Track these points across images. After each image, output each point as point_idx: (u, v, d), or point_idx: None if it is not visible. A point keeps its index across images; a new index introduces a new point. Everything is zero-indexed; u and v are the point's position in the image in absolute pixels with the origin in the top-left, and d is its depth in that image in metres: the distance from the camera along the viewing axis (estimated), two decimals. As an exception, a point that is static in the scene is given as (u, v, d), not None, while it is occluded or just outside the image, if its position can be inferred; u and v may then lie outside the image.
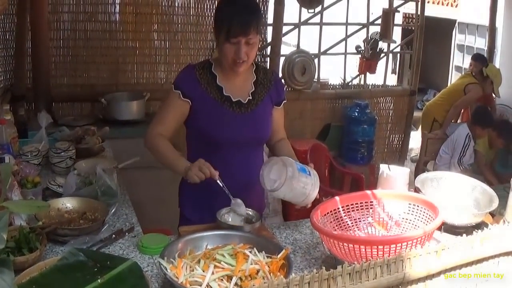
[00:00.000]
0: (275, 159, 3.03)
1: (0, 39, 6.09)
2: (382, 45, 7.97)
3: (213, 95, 3.28)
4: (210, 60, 3.39)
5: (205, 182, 3.19)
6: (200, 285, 2.33)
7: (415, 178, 3.42)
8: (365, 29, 8.00)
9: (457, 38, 11.65)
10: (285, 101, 3.52)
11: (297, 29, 7.46)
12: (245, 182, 3.19)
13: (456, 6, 14.56)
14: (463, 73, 10.20)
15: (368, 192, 3.04)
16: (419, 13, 8.11)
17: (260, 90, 3.37)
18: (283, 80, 7.18)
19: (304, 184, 3.00)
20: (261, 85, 3.39)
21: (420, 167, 7.99)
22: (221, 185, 3.04)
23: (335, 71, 9.08)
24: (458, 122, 8.86)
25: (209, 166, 3.02)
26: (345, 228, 2.93)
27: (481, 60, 8.80)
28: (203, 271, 2.39)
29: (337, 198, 2.97)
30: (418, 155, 8.85)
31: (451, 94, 8.58)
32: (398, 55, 11.96)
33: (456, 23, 12.62)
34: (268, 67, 3.34)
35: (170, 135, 3.35)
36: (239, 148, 3.11)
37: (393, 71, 14.12)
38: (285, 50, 7.50)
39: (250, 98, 3.33)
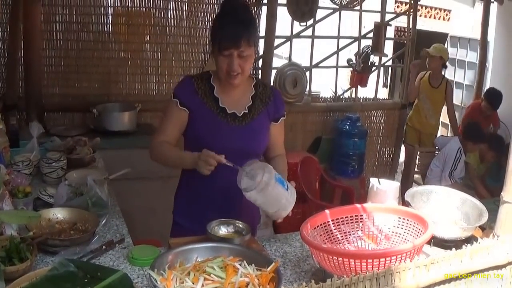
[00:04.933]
0: (258, 163, 3.01)
1: (-8, 48, 6.11)
2: (374, 58, 8.01)
3: (209, 106, 3.31)
4: (210, 72, 3.40)
5: (200, 191, 3.21)
6: (190, 297, 2.34)
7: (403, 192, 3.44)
8: (356, 43, 8.05)
9: (449, 51, 11.68)
10: (284, 118, 3.52)
11: (289, 42, 7.48)
12: (240, 194, 3.18)
13: (448, 19, 14.61)
14: (454, 86, 10.16)
15: (358, 205, 3.04)
16: (410, 26, 8.15)
17: (258, 104, 3.38)
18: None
19: (278, 195, 2.96)
20: (259, 99, 3.39)
21: (410, 180, 7.98)
22: (230, 165, 3.02)
23: (326, 84, 9.10)
24: (449, 136, 8.85)
25: (213, 155, 3.01)
26: (335, 241, 2.94)
27: (495, 100, 8.61)
28: (193, 284, 2.38)
29: (327, 211, 2.97)
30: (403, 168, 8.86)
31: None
32: (390, 68, 12.02)
33: (448, 37, 12.63)
34: (266, 82, 3.33)
35: (173, 143, 3.37)
36: (233, 159, 3.11)
37: (385, 85, 14.15)
38: (277, 62, 7.53)
39: (246, 111, 3.34)
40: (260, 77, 7.15)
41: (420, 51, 8.30)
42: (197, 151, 3.22)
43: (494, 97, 8.48)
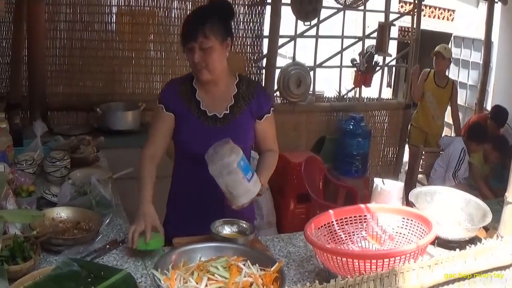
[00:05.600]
0: (230, 143, 2.97)
1: (-4, 47, 6.12)
2: (378, 58, 7.99)
3: (191, 109, 3.34)
4: (192, 74, 3.41)
5: (193, 191, 3.22)
6: (194, 297, 2.34)
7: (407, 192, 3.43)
8: (360, 42, 8.03)
9: (453, 51, 11.65)
10: (269, 115, 3.45)
11: (293, 42, 7.47)
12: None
13: (452, 20, 14.60)
14: (458, 86, 10.13)
15: (362, 206, 3.04)
16: (414, 26, 8.14)
17: (240, 103, 3.37)
18: (278, 93, 7.22)
19: (236, 181, 2.95)
20: (241, 98, 3.38)
21: (414, 180, 7.96)
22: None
23: (330, 84, 9.09)
24: (453, 136, 8.81)
25: (146, 231, 3.00)
26: (339, 241, 2.94)
27: (501, 118, 8.45)
28: (197, 283, 2.39)
29: (331, 211, 2.97)
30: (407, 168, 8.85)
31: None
32: (394, 68, 12.00)
33: (452, 37, 12.62)
34: (252, 79, 3.33)
35: (161, 151, 3.42)
36: None
37: (388, 85, 14.15)
38: (281, 62, 7.51)
39: (227, 112, 3.35)
40: (264, 76, 7.17)
41: (430, 52, 8.30)
42: (183, 154, 3.38)
43: (500, 115, 8.40)
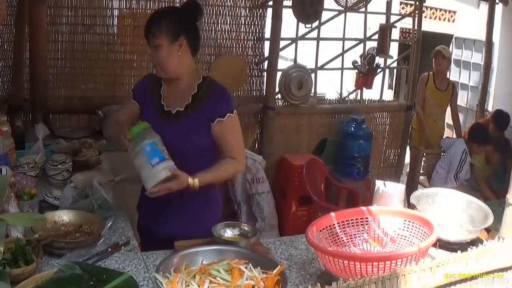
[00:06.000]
0: (147, 130, 3.18)
1: (-2, 49, 6.12)
2: (379, 60, 7.98)
3: (153, 103, 3.46)
4: None
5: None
6: (196, 300, 2.34)
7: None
8: (362, 44, 8.02)
9: (454, 53, 11.61)
10: (222, 119, 3.36)
11: (294, 44, 7.47)
12: (196, 192, 3.27)
13: (453, 21, 14.59)
14: (459, 87, 10.11)
15: (364, 208, 3.05)
16: (415, 28, 8.13)
17: (196, 104, 3.38)
18: (279, 95, 7.20)
19: (140, 165, 3.13)
20: (199, 99, 3.39)
21: (415, 182, 7.96)
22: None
23: (332, 86, 9.09)
24: (454, 137, 8.80)
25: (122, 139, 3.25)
26: (341, 244, 2.94)
27: (503, 122, 8.36)
28: (199, 286, 2.39)
29: (332, 214, 2.97)
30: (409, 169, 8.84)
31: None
32: (395, 70, 12.00)
33: (453, 38, 12.62)
34: (216, 83, 3.33)
35: None
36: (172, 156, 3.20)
37: (390, 86, 14.14)
38: (282, 64, 7.49)
39: (182, 109, 3.39)
40: (265, 79, 7.16)
41: (430, 54, 8.31)
42: None
43: (502, 119, 8.38)
